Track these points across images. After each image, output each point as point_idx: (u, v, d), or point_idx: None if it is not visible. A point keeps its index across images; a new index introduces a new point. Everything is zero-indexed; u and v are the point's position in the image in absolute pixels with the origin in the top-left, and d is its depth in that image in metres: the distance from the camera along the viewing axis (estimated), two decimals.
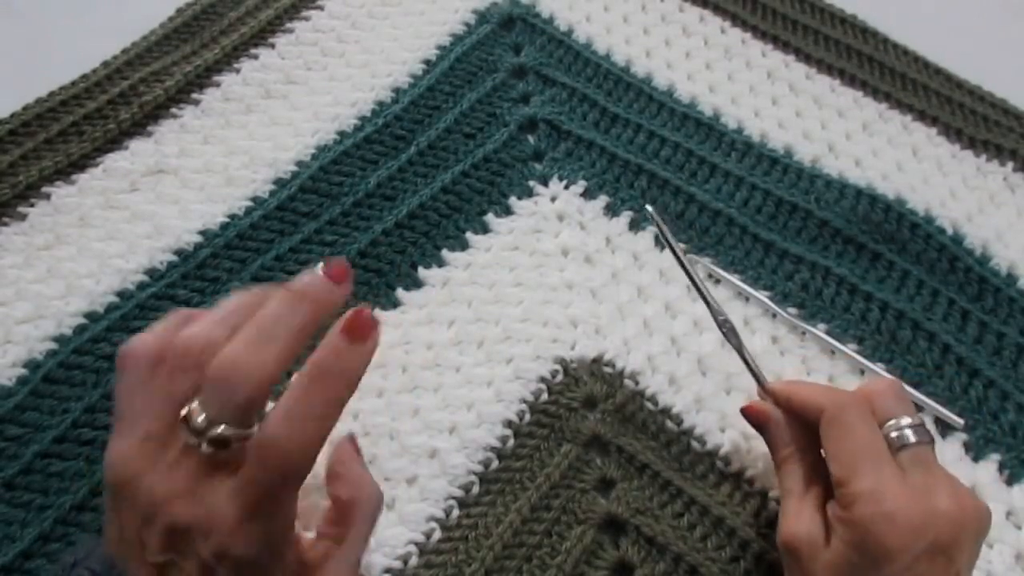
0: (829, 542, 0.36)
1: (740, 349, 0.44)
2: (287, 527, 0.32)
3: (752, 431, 0.45)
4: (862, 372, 0.48)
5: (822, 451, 0.39)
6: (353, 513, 0.36)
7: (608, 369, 0.48)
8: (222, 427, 0.30)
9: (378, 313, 0.49)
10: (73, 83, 0.58)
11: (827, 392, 0.40)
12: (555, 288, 0.51)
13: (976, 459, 0.46)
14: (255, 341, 0.30)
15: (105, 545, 0.33)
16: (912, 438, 0.37)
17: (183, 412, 0.30)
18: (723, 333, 0.44)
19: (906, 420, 0.37)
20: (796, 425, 0.40)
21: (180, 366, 0.31)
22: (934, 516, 0.35)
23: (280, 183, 0.54)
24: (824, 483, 0.39)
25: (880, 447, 0.37)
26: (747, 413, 0.42)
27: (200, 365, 0.30)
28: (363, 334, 0.31)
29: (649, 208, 0.47)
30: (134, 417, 0.31)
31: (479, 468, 0.44)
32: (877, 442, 0.37)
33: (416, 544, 0.42)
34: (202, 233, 0.51)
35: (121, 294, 0.49)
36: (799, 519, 0.38)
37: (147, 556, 0.31)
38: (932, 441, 0.38)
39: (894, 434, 0.37)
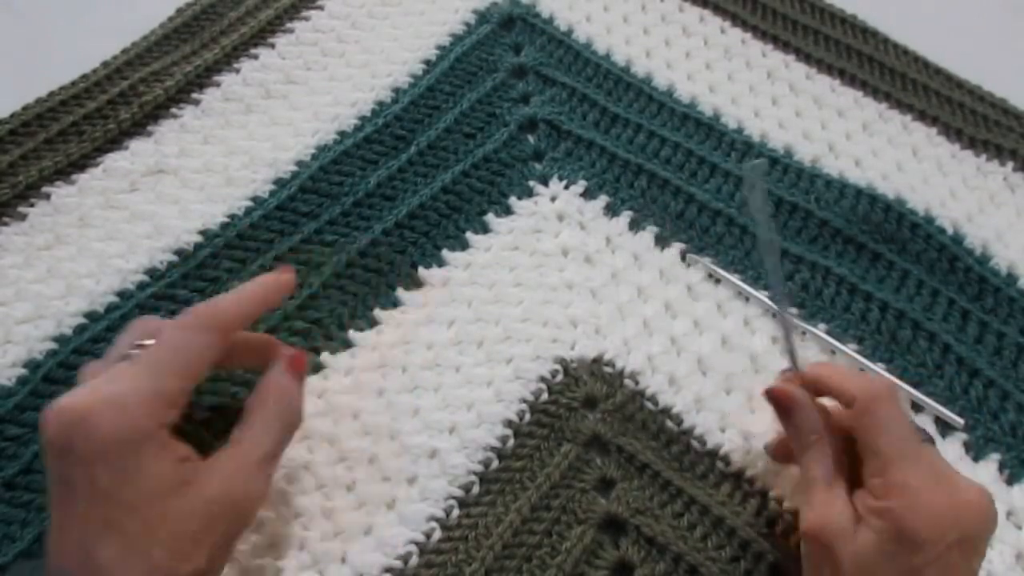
0: (858, 532, 0.36)
1: (788, 328, 0.42)
2: (160, 392, 0.34)
3: (753, 430, 0.45)
4: (862, 372, 0.48)
5: (858, 443, 0.38)
6: (252, 412, 0.36)
7: (608, 369, 0.48)
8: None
9: (378, 313, 0.49)
10: (73, 83, 0.58)
11: (858, 379, 0.40)
12: (555, 288, 0.51)
13: (976, 459, 0.46)
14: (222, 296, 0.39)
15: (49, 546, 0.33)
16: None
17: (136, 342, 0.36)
18: (777, 310, 0.42)
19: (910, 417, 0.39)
20: (822, 412, 0.40)
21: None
22: (964, 508, 0.35)
23: (280, 183, 0.54)
24: (846, 471, 0.38)
25: (914, 439, 0.37)
26: (773, 395, 0.41)
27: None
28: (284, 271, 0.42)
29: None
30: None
31: (479, 468, 0.44)
32: (910, 434, 0.37)
33: (416, 544, 0.42)
34: (202, 233, 0.51)
35: (121, 294, 0.49)
36: (829, 508, 0.37)
37: (51, 478, 0.32)
38: (931, 440, 0.39)
39: None
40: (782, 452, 0.43)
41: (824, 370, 0.41)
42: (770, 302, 0.50)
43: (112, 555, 0.31)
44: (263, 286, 0.40)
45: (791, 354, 0.42)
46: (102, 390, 0.33)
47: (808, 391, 0.40)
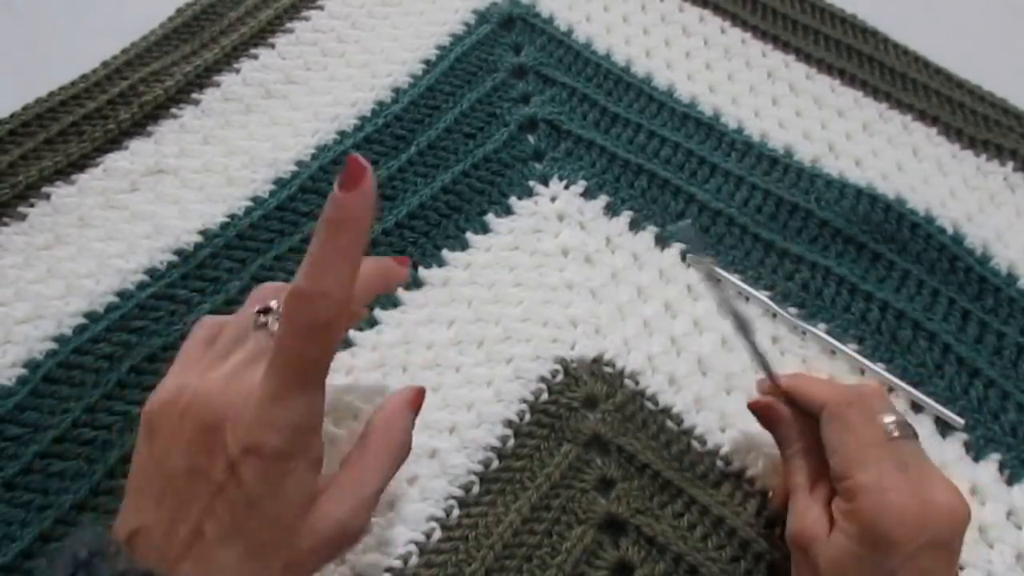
0: (831, 535, 0.36)
1: (752, 341, 0.43)
2: (314, 413, 0.32)
3: (753, 430, 0.45)
4: (862, 372, 0.48)
5: (824, 448, 0.39)
6: (371, 444, 0.35)
7: (608, 369, 0.48)
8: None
9: (378, 313, 0.49)
10: (73, 83, 0.57)
11: (829, 387, 0.41)
12: (555, 288, 0.51)
13: (976, 459, 0.46)
14: (313, 273, 0.31)
15: (121, 507, 0.33)
16: (895, 433, 0.37)
17: (257, 308, 0.35)
18: (736, 326, 0.43)
19: (889, 417, 0.38)
20: (802, 421, 0.41)
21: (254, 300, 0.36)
22: (934, 509, 0.35)
23: (280, 183, 0.54)
24: (829, 480, 0.39)
25: (880, 441, 0.37)
26: (755, 409, 0.42)
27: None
28: (355, 182, 0.32)
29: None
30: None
31: (479, 468, 0.44)
32: (877, 436, 0.37)
33: (416, 544, 0.42)
34: (202, 233, 0.51)
35: (121, 294, 0.49)
36: (806, 514, 0.38)
37: (170, 467, 0.31)
38: (917, 436, 0.38)
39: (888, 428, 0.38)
40: (781, 502, 0.43)
41: (796, 381, 0.42)
42: (770, 303, 0.50)
43: (232, 560, 0.31)
44: (385, 274, 0.39)
45: (764, 367, 0.43)
46: (256, 397, 0.31)
47: (788, 401, 0.41)
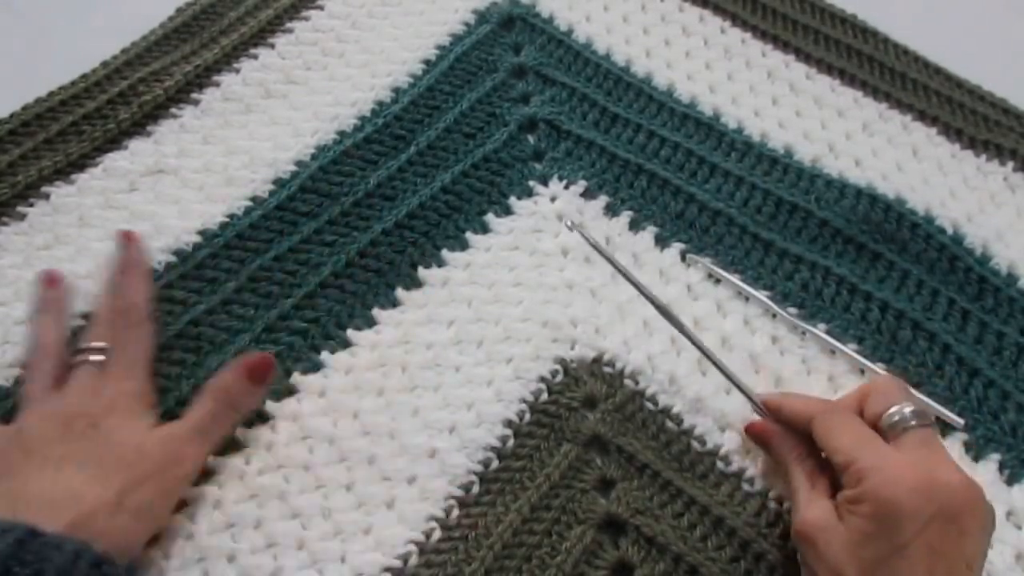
0: (840, 524, 0.37)
1: (726, 371, 0.45)
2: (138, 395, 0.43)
3: None
4: (862, 372, 0.48)
5: (822, 454, 0.40)
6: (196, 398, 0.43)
7: (608, 369, 0.48)
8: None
9: (378, 313, 0.49)
10: (73, 83, 0.57)
11: (814, 401, 0.43)
12: (555, 288, 0.51)
13: (976, 459, 0.46)
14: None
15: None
16: (912, 421, 0.38)
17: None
18: (711, 360, 0.45)
19: (908, 407, 0.39)
20: (794, 435, 0.42)
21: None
22: (939, 484, 0.36)
23: (280, 183, 0.54)
24: (829, 479, 0.40)
25: (872, 435, 0.39)
26: (750, 432, 0.44)
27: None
28: (131, 238, 0.48)
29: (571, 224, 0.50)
30: None
31: (479, 468, 0.44)
32: (869, 431, 0.39)
33: (416, 544, 0.42)
34: (201, 233, 0.51)
35: None
36: (811, 507, 0.38)
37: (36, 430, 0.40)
38: (934, 425, 0.39)
39: (896, 418, 0.39)
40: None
41: (782, 398, 0.44)
42: (770, 303, 0.50)
43: (84, 479, 0.38)
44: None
45: (743, 392, 0.44)
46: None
47: (774, 418, 0.43)
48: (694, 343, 0.45)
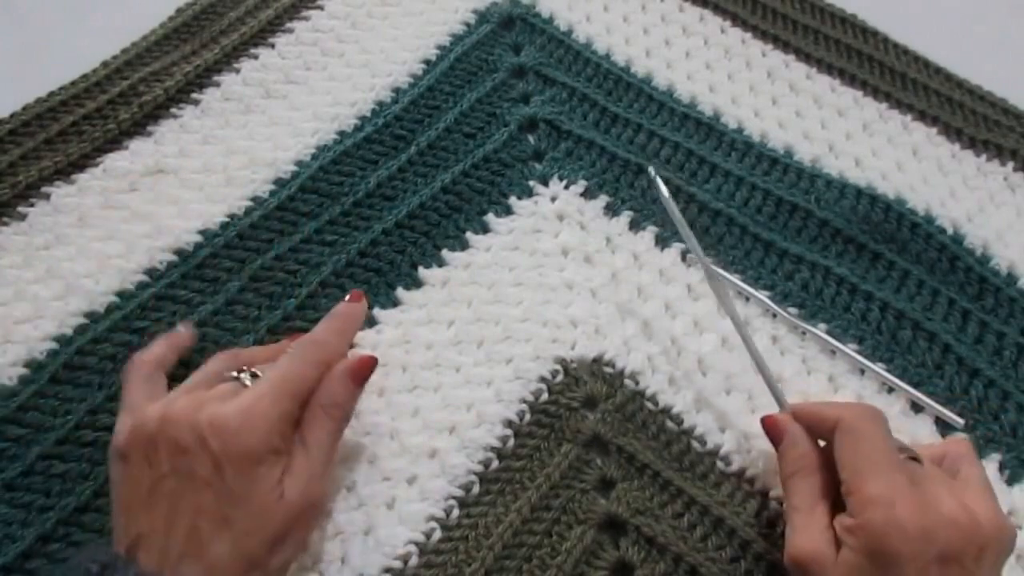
0: (838, 555, 0.36)
1: (762, 368, 0.43)
2: (287, 420, 0.38)
3: (753, 431, 0.45)
4: (862, 372, 0.48)
5: (835, 462, 0.38)
6: (317, 419, 0.39)
7: (608, 369, 0.48)
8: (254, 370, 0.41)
9: (378, 313, 0.49)
10: (73, 83, 0.58)
11: (847, 405, 0.41)
12: (555, 288, 0.51)
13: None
14: (319, 331, 0.43)
15: (115, 530, 0.37)
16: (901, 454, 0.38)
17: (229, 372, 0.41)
18: (749, 350, 0.44)
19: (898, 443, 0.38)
20: (807, 442, 0.41)
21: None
22: (943, 523, 0.35)
23: (280, 183, 0.54)
24: (831, 501, 0.38)
25: (893, 455, 0.37)
26: (766, 424, 0.42)
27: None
28: (357, 298, 0.46)
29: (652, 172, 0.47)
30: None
31: (479, 468, 0.44)
32: (890, 450, 0.37)
33: (416, 544, 0.42)
34: (202, 233, 0.51)
35: (121, 294, 0.49)
36: (807, 534, 0.37)
37: (154, 476, 0.36)
38: (919, 460, 0.38)
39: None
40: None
41: (809, 405, 0.42)
42: (770, 303, 0.50)
43: (225, 549, 0.35)
44: (351, 320, 0.45)
45: (775, 395, 0.43)
46: (239, 404, 0.37)
47: (799, 420, 0.41)
48: (735, 323, 0.44)
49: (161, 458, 0.36)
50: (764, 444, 0.44)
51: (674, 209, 0.45)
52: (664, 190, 0.45)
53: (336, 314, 0.44)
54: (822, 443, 0.41)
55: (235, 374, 0.40)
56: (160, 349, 0.43)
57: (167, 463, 0.36)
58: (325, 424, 0.39)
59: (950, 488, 0.37)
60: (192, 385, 0.40)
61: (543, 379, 0.47)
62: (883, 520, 0.35)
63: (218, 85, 0.59)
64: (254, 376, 0.40)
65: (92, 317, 0.48)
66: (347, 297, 0.46)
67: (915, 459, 0.38)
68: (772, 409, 0.43)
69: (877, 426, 0.38)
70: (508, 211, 0.54)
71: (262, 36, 0.62)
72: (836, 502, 0.38)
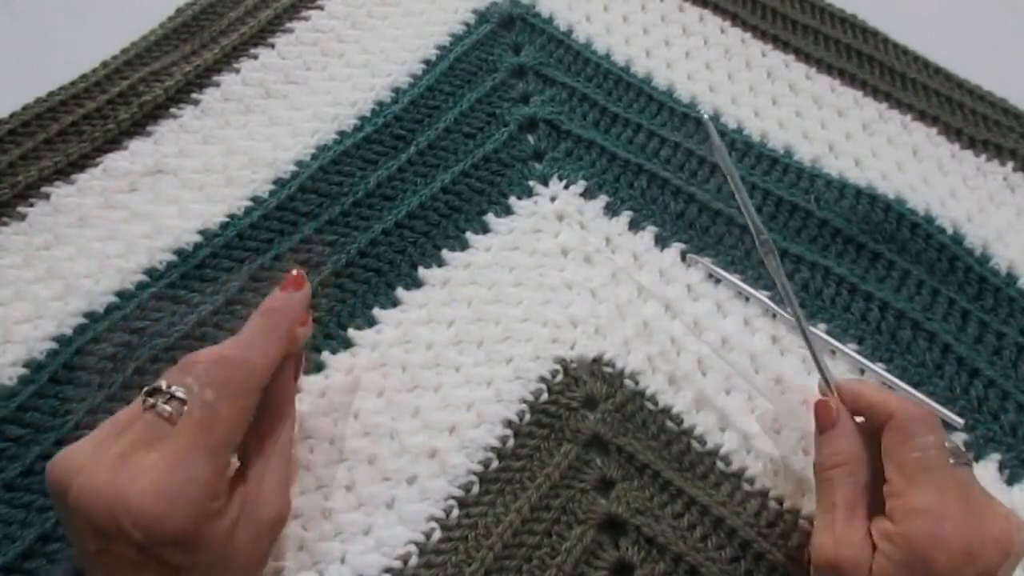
0: (873, 561, 0.35)
1: (812, 347, 0.42)
2: (219, 478, 0.34)
3: (753, 431, 0.45)
4: (862, 372, 0.48)
5: (883, 459, 0.37)
6: (270, 434, 0.38)
7: (608, 369, 0.48)
8: (175, 387, 0.34)
9: (378, 313, 0.49)
10: (73, 83, 0.57)
11: (898, 399, 0.38)
12: (555, 288, 0.51)
13: (976, 459, 0.46)
14: (240, 342, 0.38)
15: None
16: (951, 460, 0.36)
17: (147, 387, 0.35)
18: (801, 329, 0.43)
19: (950, 444, 0.37)
20: (860, 438, 0.39)
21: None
22: (987, 544, 0.34)
23: (280, 183, 0.54)
24: (868, 502, 0.37)
25: (944, 463, 0.36)
26: (819, 408, 0.40)
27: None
28: (296, 284, 0.40)
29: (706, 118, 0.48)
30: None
31: (479, 468, 0.44)
32: (942, 458, 0.36)
33: (416, 544, 0.42)
34: (201, 233, 0.51)
35: (121, 294, 0.49)
36: (848, 539, 0.36)
37: (88, 547, 0.33)
38: (971, 464, 0.37)
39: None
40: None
41: (861, 387, 0.40)
42: (770, 303, 0.50)
43: None
44: (284, 315, 0.39)
45: (821, 372, 0.42)
46: (154, 482, 0.32)
47: (846, 405, 0.40)
48: (789, 303, 0.43)
49: (87, 535, 0.32)
50: (764, 444, 0.45)
51: (727, 160, 0.45)
52: (717, 138, 0.45)
53: (266, 310, 0.39)
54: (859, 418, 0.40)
55: (150, 400, 0.34)
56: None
57: (94, 541, 0.32)
58: (280, 437, 0.38)
59: (986, 498, 0.36)
60: (124, 419, 0.35)
61: (543, 379, 0.47)
62: (928, 534, 0.34)
63: (218, 85, 0.59)
64: (172, 402, 0.34)
65: (92, 317, 0.48)
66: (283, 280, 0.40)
67: (967, 463, 0.37)
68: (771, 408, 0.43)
69: (932, 430, 0.37)
70: (508, 211, 0.54)
71: (262, 36, 0.62)
72: (874, 501, 0.37)
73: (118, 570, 0.33)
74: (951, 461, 0.36)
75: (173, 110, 0.57)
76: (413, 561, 0.41)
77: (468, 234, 0.53)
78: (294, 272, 0.40)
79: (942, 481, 0.35)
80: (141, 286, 0.49)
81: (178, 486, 0.32)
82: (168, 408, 0.34)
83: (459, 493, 0.43)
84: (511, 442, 0.45)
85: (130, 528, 0.31)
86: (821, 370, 0.42)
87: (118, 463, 0.33)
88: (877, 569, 0.34)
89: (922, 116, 0.60)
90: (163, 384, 0.35)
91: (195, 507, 0.33)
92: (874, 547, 0.35)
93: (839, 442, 0.39)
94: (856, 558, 0.35)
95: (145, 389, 0.35)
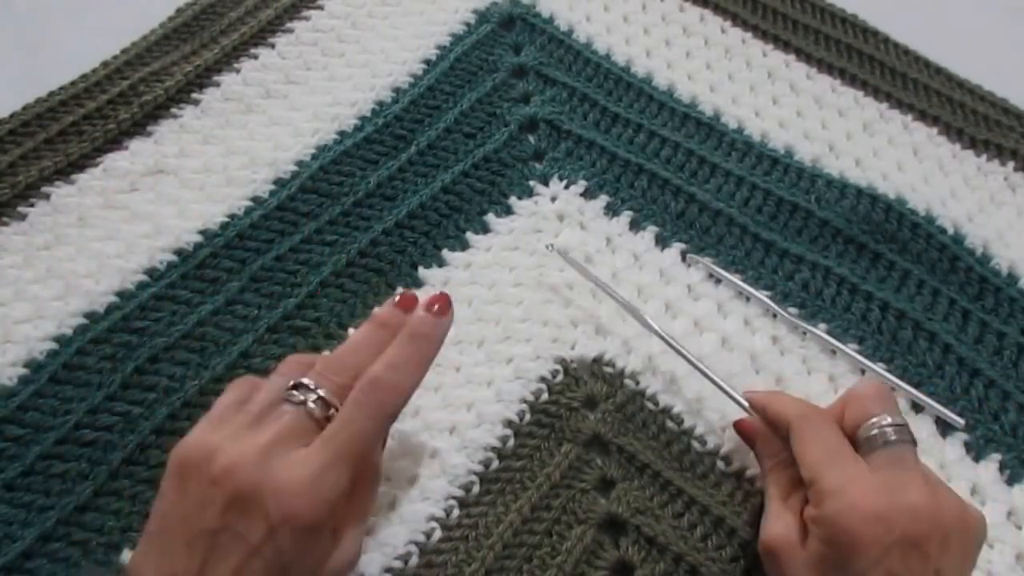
0: (805, 543, 0.37)
1: (707, 373, 0.44)
2: (348, 485, 0.35)
3: None
4: (862, 372, 0.48)
5: (796, 461, 0.40)
6: (363, 483, 0.37)
7: (608, 369, 0.48)
8: (324, 390, 0.36)
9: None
10: (73, 83, 0.58)
11: (795, 405, 0.41)
12: (555, 288, 0.51)
13: (977, 459, 0.46)
14: (392, 367, 0.37)
15: (144, 538, 0.34)
16: (892, 436, 0.38)
17: (292, 382, 0.36)
18: (689, 361, 0.45)
19: (887, 419, 0.38)
20: (777, 440, 0.42)
21: (299, 367, 0.38)
22: (902, 509, 0.35)
23: (280, 183, 0.54)
24: (802, 491, 0.39)
25: (844, 448, 0.38)
26: (738, 428, 0.44)
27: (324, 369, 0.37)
28: (443, 310, 0.39)
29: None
30: (231, 410, 0.36)
31: (479, 468, 0.44)
32: (841, 445, 0.38)
33: (416, 544, 0.42)
34: (202, 233, 0.51)
35: (121, 294, 0.49)
36: (778, 522, 0.39)
37: (203, 524, 0.33)
38: (912, 442, 0.38)
39: (874, 431, 0.38)
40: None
41: (767, 399, 0.42)
42: (770, 303, 0.50)
43: None
44: (432, 343, 0.39)
45: (726, 392, 0.44)
46: (307, 471, 0.34)
47: (760, 418, 0.42)
48: (676, 350, 0.45)
49: (216, 507, 0.33)
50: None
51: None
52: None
53: (415, 335, 0.38)
54: None
55: (298, 395, 0.36)
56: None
57: (220, 517, 0.33)
58: (370, 487, 0.38)
59: (922, 477, 0.37)
60: (259, 411, 0.36)
61: (543, 379, 0.47)
62: (840, 507, 0.36)
63: (218, 85, 0.59)
64: (319, 403, 0.36)
65: (92, 317, 0.48)
66: (421, 305, 0.39)
67: (899, 441, 0.38)
68: None
69: (824, 423, 0.39)
70: (508, 211, 0.54)
71: (262, 36, 0.62)
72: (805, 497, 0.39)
73: (232, 552, 0.33)
74: (892, 438, 0.37)
75: (173, 110, 0.57)
76: (413, 561, 0.41)
77: (468, 234, 0.53)
78: (439, 293, 0.39)
79: (843, 463, 0.37)
80: (141, 286, 0.49)
81: (326, 489, 0.34)
82: (316, 409, 0.36)
83: (459, 493, 0.43)
84: (511, 442, 0.45)
85: (272, 508, 0.33)
86: (727, 393, 0.44)
87: (267, 449, 0.34)
88: (809, 549, 0.37)
89: (923, 116, 0.60)
90: (309, 382, 0.36)
91: (329, 507, 0.34)
92: (807, 532, 0.37)
93: (766, 450, 0.42)
94: (784, 537, 0.38)
95: (292, 384, 0.36)
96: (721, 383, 0.44)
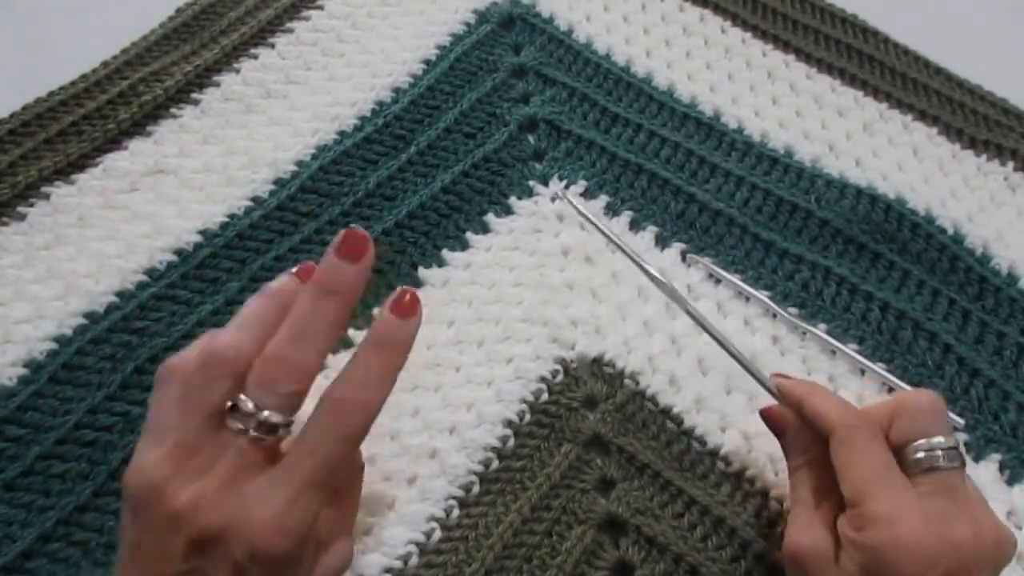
0: (838, 559, 0.35)
1: (739, 358, 0.43)
2: (319, 511, 0.33)
3: (753, 431, 0.45)
4: (862, 372, 0.48)
5: (836, 471, 0.37)
6: (348, 497, 0.37)
7: (608, 369, 0.48)
8: (268, 412, 0.33)
9: (378, 312, 0.49)
10: (73, 83, 0.57)
11: (839, 409, 0.38)
12: (555, 288, 0.51)
13: (977, 459, 0.46)
14: (294, 339, 0.33)
15: (117, 565, 0.33)
16: (941, 462, 0.36)
17: (229, 403, 0.33)
18: (720, 345, 0.43)
19: (938, 440, 0.36)
20: (810, 435, 0.39)
21: (213, 375, 0.33)
22: (950, 545, 0.34)
23: (280, 183, 0.54)
24: (836, 496, 0.37)
25: (893, 470, 0.36)
26: (765, 416, 0.41)
27: (233, 373, 0.33)
28: (410, 310, 0.35)
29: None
30: (165, 428, 0.33)
31: (479, 468, 0.44)
32: (890, 465, 0.36)
33: (416, 544, 0.42)
34: (202, 233, 0.51)
35: (121, 294, 0.49)
36: (808, 532, 0.37)
37: (168, 568, 0.31)
38: (963, 465, 0.36)
39: (922, 454, 0.36)
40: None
41: (805, 392, 0.40)
42: (770, 303, 0.50)
43: None
44: (399, 350, 0.35)
45: (758, 380, 0.42)
46: (274, 509, 0.32)
47: (794, 411, 0.40)
48: (703, 326, 0.43)
49: (178, 549, 0.31)
50: (764, 444, 0.44)
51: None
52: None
53: (381, 343, 0.35)
54: None
55: (237, 424, 0.33)
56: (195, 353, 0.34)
57: (184, 560, 0.31)
58: (354, 498, 0.37)
59: (969, 504, 0.35)
60: (199, 442, 0.32)
61: (543, 379, 0.47)
62: (886, 540, 0.34)
63: (218, 85, 0.59)
64: (263, 427, 0.33)
65: (92, 317, 0.48)
66: (389, 302, 0.35)
67: (951, 468, 0.36)
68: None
69: (872, 437, 0.37)
70: (508, 211, 0.54)
71: (262, 36, 0.62)
72: (840, 496, 0.37)
73: None
74: (942, 463, 0.36)
75: (173, 110, 0.57)
76: (413, 561, 0.41)
77: (468, 234, 0.53)
78: (407, 296, 0.35)
79: (892, 488, 0.35)
80: (141, 286, 0.49)
81: (294, 523, 0.32)
82: (263, 437, 0.33)
83: (459, 493, 0.43)
84: (511, 442, 0.45)
85: (237, 550, 0.31)
86: (757, 377, 0.42)
87: (224, 486, 0.32)
88: (843, 568, 0.35)
89: (923, 116, 0.60)
90: (248, 404, 0.33)
91: (300, 540, 0.32)
92: (839, 545, 0.36)
93: (797, 444, 0.40)
94: (815, 546, 0.36)
95: (229, 405, 0.33)
96: (749, 364, 0.42)
